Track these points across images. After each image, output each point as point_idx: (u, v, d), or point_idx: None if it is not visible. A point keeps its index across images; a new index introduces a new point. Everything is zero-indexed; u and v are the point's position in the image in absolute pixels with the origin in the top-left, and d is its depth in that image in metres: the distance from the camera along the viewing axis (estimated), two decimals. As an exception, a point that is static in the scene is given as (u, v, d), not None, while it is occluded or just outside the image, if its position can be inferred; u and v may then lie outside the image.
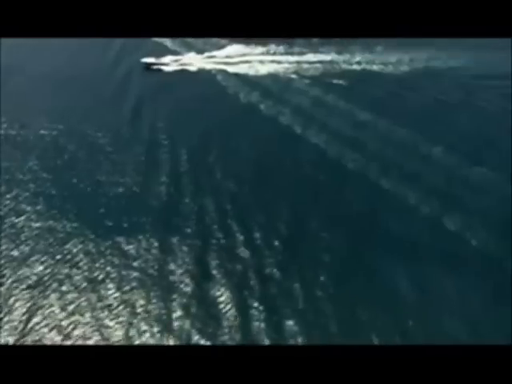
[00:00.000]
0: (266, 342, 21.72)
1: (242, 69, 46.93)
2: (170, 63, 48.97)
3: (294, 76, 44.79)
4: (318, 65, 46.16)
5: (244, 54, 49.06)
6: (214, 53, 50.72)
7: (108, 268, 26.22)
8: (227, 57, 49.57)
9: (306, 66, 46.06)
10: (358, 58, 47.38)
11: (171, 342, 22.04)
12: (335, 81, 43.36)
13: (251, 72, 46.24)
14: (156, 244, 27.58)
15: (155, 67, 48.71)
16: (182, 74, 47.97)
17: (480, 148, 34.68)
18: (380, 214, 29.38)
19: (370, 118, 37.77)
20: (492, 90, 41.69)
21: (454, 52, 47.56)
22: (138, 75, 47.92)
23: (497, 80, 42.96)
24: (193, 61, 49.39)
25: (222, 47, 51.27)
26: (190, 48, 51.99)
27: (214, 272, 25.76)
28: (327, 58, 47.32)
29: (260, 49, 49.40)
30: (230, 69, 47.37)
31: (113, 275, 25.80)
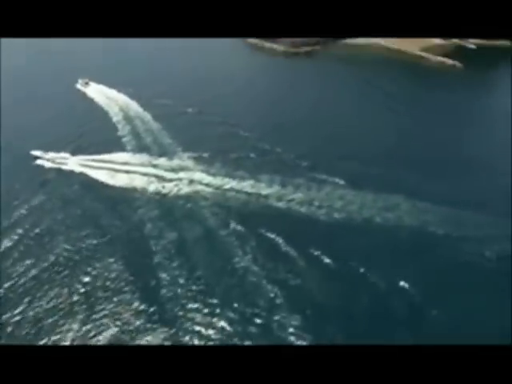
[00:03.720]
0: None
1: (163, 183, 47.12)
2: (54, 159, 51.10)
3: (208, 202, 43.55)
4: (244, 195, 44.47)
5: (183, 168, 49.07)
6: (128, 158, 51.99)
7: None
8: (126, 164, 50.19)
9: (230, 194, 44.74)
10: (297, 195, 44.44)
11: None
12: (245, 218, 41.34)
13: (172, 190, 46.19)
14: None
15: (39, 162, 51.30)
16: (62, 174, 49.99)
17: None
18: None
19: (249, 266, 35.27)
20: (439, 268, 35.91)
21: (426, 205, 41.78)
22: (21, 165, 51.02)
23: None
24: (69, 161, 51.36)
25: (173, 154, 51.90)
26: (146, 151, 53.45)
27: None
28: (264, 190, 45.30)
29: (201, 166, 48.79)
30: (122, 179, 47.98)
31: None
